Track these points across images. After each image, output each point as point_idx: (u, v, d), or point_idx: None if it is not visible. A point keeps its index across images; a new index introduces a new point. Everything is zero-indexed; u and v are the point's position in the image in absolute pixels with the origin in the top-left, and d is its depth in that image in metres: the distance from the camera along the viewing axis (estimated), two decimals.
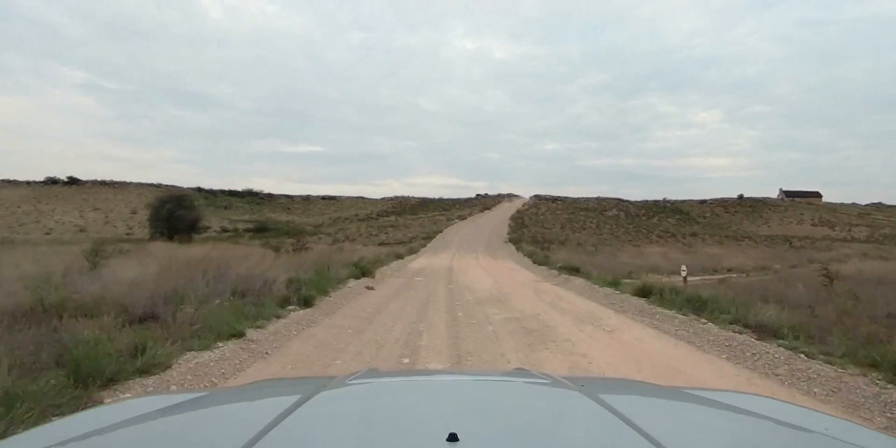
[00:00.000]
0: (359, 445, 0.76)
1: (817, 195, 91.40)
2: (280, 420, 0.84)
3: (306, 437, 0.81)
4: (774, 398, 1.35)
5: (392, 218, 58.19)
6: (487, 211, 60.63)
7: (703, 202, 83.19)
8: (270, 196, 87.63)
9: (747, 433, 0.96)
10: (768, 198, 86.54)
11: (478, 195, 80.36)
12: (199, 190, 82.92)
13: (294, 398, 1.00)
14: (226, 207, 76.91)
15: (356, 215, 68.83)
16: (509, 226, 40.16)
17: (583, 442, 0.81)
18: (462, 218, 50.29)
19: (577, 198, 79.89)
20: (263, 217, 69.26)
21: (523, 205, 69.17)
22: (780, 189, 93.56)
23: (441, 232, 35.19)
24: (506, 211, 61.15)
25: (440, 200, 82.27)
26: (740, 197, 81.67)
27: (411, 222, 46.44)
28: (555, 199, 76.44)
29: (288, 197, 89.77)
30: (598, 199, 79.52)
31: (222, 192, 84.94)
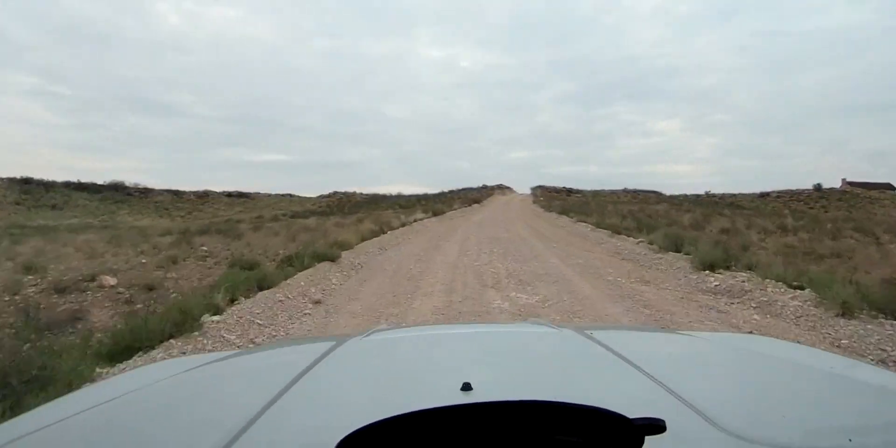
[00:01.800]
0: (377, 398, 0.78)
1: (889, 187, 70.90)
2: (299, 378, 0.86)
3: (326, 391, 0.84)
4: (780, 339, 1.40)
5: (311, 220, 32.84)
6: (479, 205, 34.62)
7: (763, 195, 60.09)
8: (146, 191, 59.07)
9: (753, 373, 0.96)
10: (837, 188, 64.76)
11: (452, 190, 54.49)
12: (26, 181, 53.75)
13: (312, 356, 1.01)
14: (54, 206, 48.36)
15: (259, 217, 41.79)
16: (592, 226, 14.59)
17: (592, 386, 0.84)
18: (436, 213, 23.55)
19: (597, 190, 55.25)
20: (113, 219, 42.49)
21: (534, 196, 43.16)
22: (843, 179, 72.23)
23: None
24: (514, 203, 35.21)
25: (399, 197, 55.84)
26: (818, 188, 59.30)
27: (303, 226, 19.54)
28: (569, 191, 51.43)
29: (175, 193, 61.38)
30: (628, 192, 55.15)
31: (68, 184, 55.89)
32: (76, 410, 0.84)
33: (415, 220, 18.21)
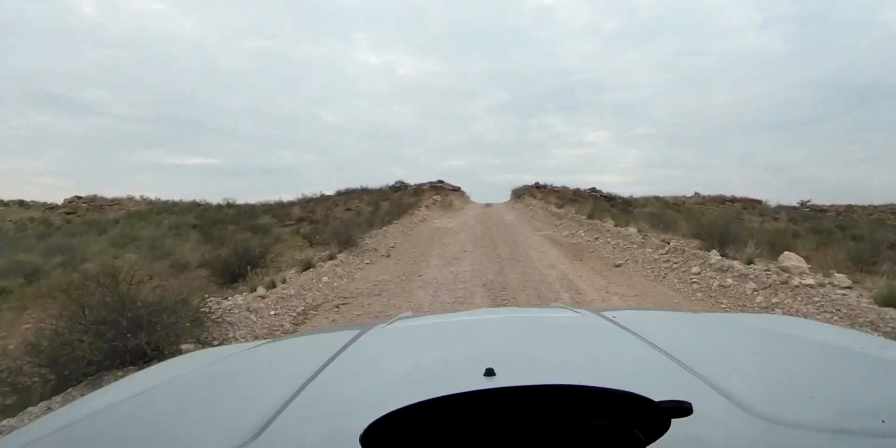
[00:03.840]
0: (401, 385, 0.79)
1: None
2: (325, 366, 0.87)
3: (352, 379, 0.84)
4: (808, 319, 1.25)
5: None
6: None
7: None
8: None
9: (780, 354, 0.93)
10: None
11: (325, 195, 22.73)
12: None
13: (337, 345, 1.03)
14: None
15: None
16: None
17: (616, 370, 0.82)
18: None
19: (642, 196, 25.46)
20: None
21: (563, 221, 9.88)
22: None
23: None
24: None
25: (201, 207, 23.25)
26: None
27: None
28: (610, 199, 21.02)
29: None
30: (708, 199, 25.97)
31: None
32: (108, 403, 0.87)
33: None
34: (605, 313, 1.23)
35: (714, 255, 6.34)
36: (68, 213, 25.90)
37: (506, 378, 0.69)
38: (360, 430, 0.49)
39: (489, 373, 0.71)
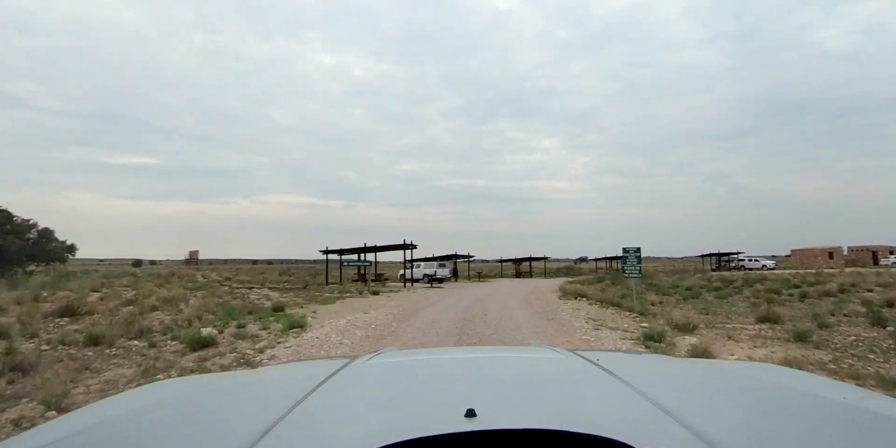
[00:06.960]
0: (380, 422, 0.77)
1: None
2: (303, 399, 0.87)
3: (329, 414, 0.83)
4: (790, 368, 1.31)
5: None
6: None
7: None
8: None
9: (763, 402, 0.92)
10: None
11: None
12: None
13: (317, 378, 1.02)
14: None
15: None
16: None
17: (599, 413, 0.81)
18: None
19: None
20: None
21: None
22: None
23: None
24: None
25: None
26: None
27: None
28: None
29: None
30: None
31: None
32: (70, 431, 0.82)
33: None
34: (587, 355, 1.20)
35: None
36: None
37: (487, 420, 0.68)
38: None
39: (470, 413, 0.69)
